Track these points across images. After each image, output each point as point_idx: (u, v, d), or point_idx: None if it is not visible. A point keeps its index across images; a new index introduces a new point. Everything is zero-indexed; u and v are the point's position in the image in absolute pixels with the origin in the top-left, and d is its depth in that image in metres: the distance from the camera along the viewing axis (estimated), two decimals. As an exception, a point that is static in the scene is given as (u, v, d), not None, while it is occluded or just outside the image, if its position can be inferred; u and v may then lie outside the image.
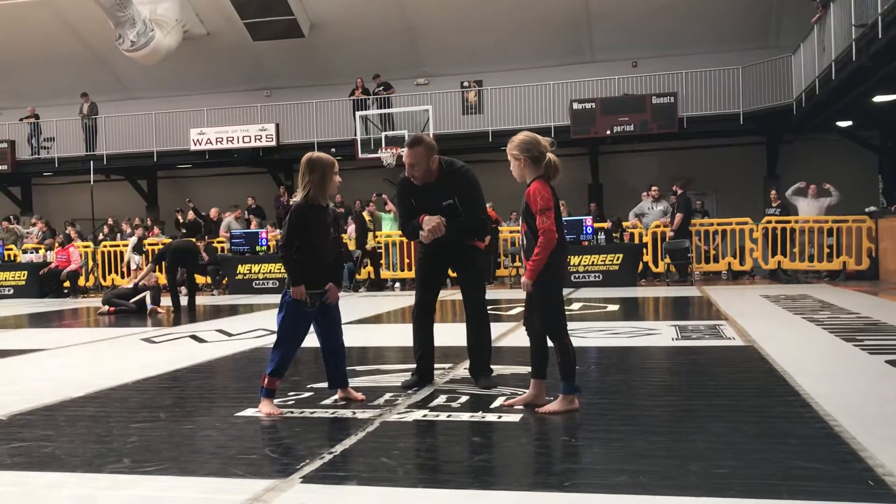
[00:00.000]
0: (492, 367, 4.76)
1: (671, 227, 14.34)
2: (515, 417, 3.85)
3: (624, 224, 15.59)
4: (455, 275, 4.91)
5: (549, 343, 4.01)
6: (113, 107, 22.28)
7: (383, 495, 2.76)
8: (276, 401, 4.38)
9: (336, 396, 4.34)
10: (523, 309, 4.16)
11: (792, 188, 15.04)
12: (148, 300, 11.07)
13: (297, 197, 4.18)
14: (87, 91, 21.80)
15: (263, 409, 4.08)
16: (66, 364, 6.39)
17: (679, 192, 14.66)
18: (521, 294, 4.11)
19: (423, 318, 4.74)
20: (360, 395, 4.32)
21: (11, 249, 17.84)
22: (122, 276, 16.96)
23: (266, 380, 4.12)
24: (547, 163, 3.95)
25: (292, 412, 4.11)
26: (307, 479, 2.97)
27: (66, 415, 4.28)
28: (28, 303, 14.57)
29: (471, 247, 4.69)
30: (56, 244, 16.81)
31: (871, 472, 2.85)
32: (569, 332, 4.00)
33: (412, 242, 15.20)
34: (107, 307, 11.02)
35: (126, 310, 10.90)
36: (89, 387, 5.05)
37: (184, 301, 11.29)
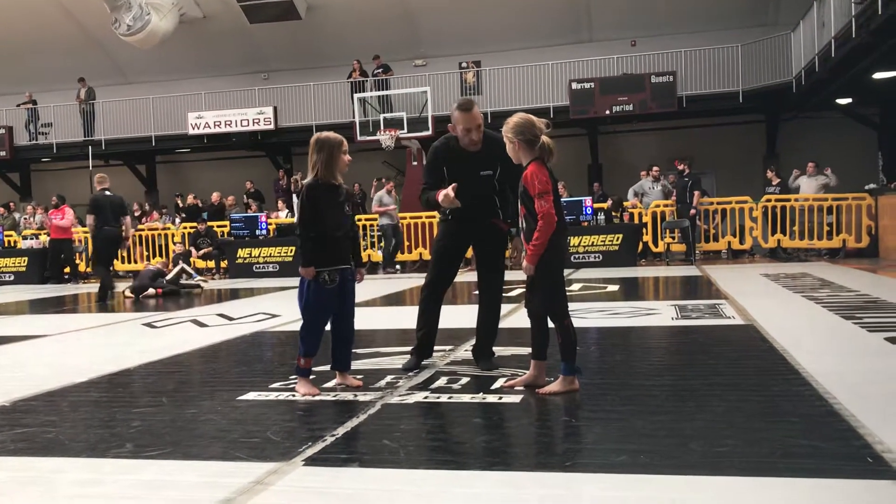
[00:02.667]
0: (493, 349, 4.76)
1: (693, 205, 14.23)
2: (516, 398, 3.86)
3: (624, 204, 15.57)
4: (472, 255, 4.85)
5: (550, 324, 4.03)
6: (110, 91, 22.20)
7: (385, 477, 2.78)
8: (277, 384, 4.41)
9: (336, 381, 4.35)
10: (524, 291, 4.16)
11: (793, 176, 15.03)
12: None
13: (308, 178, 4.21)
14: (83, 76, 21.71)
15: (300, 389, 4.16)
16: (68, 350, 6.41)
17: (687, 171, 14.59)
18: (521, 276, 4.11)
19: (433, 297, 4.69)
20: (357, 382, 4.32)
21: (11, 235, 17.84)
22: (122, 262, 16.97)
23: (301, 360, 4.21)
24: (541, 145, 3.95)
25: (294, 395, 4.13)
26: (309, 462, 2.98)
27: (68, 400, 4.30)
28: (29, 289, 14.59)
29: (495, 227, 4.64)
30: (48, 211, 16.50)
31: (869, 448, 2.87)
32: (569, 312, 4.01)
33: (411, 226, 15.31)
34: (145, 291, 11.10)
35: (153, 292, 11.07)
36: (91, 372, 5.07)
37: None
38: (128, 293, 11.23)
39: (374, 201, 15.59)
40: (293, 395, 4.12)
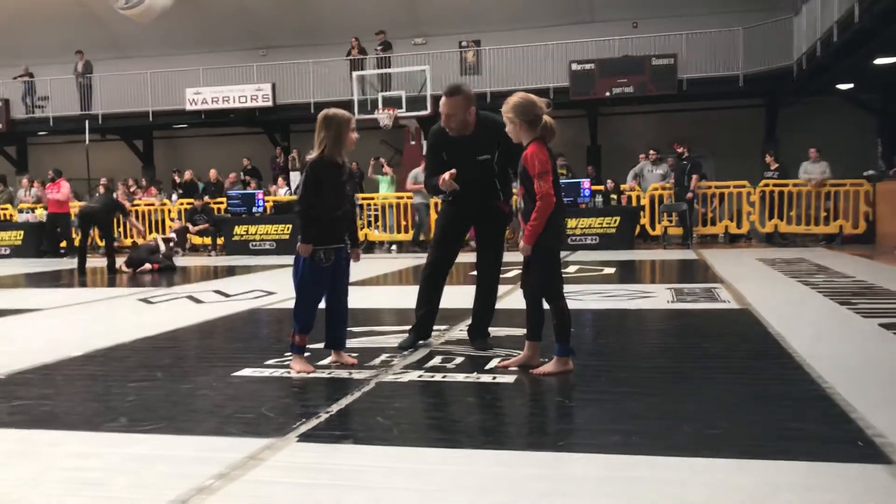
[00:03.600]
0: (489, 329, 4.77)
1: (690, 188, 14.17)
2: (510, 378, 3.88)
3: (622, 187, 15.53)
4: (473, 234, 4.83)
5: (545, 305, 4.03)
6: (108, 66, 22.03)
7: (379, 454, 2.79)
8: (272, 361, 4.42)
9: (330, 358, 4.35)
10: (521, 272, 4.16)
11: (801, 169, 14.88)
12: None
13: (313, 154, 4.15)
14: (81, 49, 21.54)
15: (295, 367, 4.14)
16: (64, 324, 6.42)
17: (686, 154, 14.52)
18: (517, 257, 4.11)
19: (434, 277, 4.67)
20: (352, 360, 4.33)
21: (7, 209, 17.79)
22: (119, 237, 16.95)
23: (296, 337, 4.18)
24: (543, 125, 3.92)
25: (289, 372, 4.14)
26: (303, 438, 3.00)
27: (64, 374, 4.31)
28: (25, 262, 14.57)
29: (497, 208, 4.63)
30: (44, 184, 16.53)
31: (861, 433, 2.89)
32: (564, 294, 4.01)
33: (409, 206, 15.27)
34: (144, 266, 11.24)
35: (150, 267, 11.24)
36: (87, 346, 5.07)
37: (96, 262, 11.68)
38: (124, 267, 11.26)
39: (410, 178, 15.30)
40: (288, 372, 4.13)
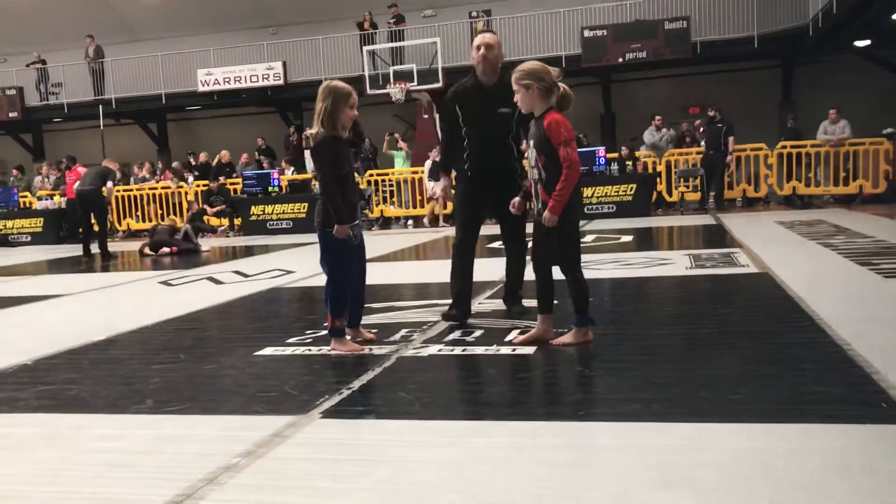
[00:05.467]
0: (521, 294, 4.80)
1: (729, 151, 14.03)
2: (529, 350, 3.89)
3: (636, 153, 15.40)
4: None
5: (557, 277, 3.99)
6: (119, 49, 22.04)
7: (402, 428, 2.82)
8: (294, 339, 4.45)
9: (349, 335, 4.37)
10: (533, 244, 4.12)
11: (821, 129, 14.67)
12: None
13: (314, 129, 4.03)
14: (91, 33, 21.55)
15: (341, 349, 4.08)
16: (87, 308, 6.49)
17: (718, 116, 14.30)
18: (528, 228, 4.09)
19: (466, 255, 4.66)
20: (370, 335, 4.35)
21: (26, 196, 17.93)
22: (137, 220, 17.07)
23: (333, 321, 4.12)
24: (559, 93, 3.85)
25: (310, 350, 4.17)
26: (327, 415, 3.03)
27: (88, 358, 4.36)
28: (45, 249, 14.71)
29: (516, 179, 4.61)
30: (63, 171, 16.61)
31: (883, 394, 2.88)
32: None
33: (422, 181, 15.24)
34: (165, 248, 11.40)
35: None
36: (110, 330, 5.13)
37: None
38: (146, 250, 11.34)
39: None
40: (309, 350, 4.16)
